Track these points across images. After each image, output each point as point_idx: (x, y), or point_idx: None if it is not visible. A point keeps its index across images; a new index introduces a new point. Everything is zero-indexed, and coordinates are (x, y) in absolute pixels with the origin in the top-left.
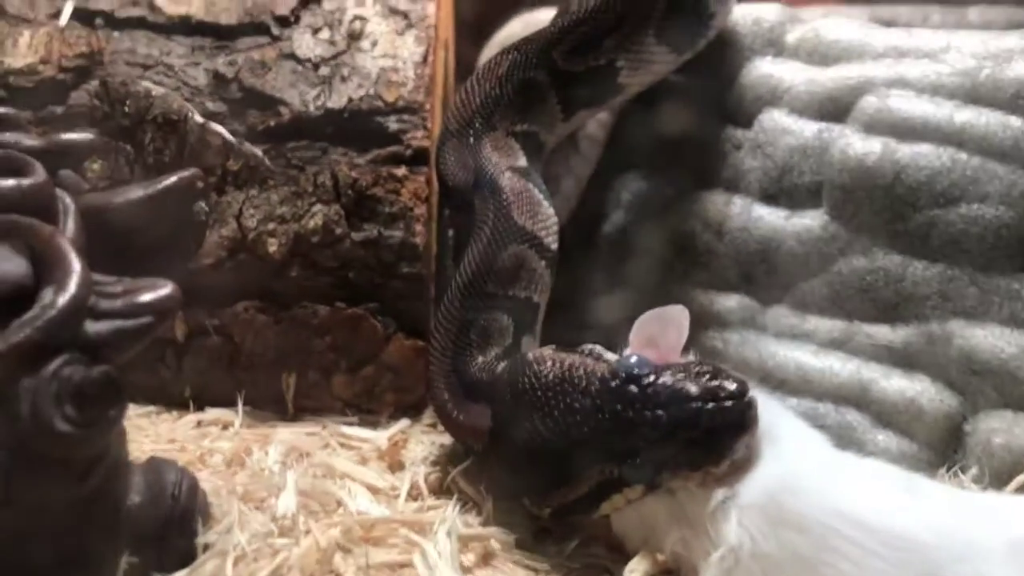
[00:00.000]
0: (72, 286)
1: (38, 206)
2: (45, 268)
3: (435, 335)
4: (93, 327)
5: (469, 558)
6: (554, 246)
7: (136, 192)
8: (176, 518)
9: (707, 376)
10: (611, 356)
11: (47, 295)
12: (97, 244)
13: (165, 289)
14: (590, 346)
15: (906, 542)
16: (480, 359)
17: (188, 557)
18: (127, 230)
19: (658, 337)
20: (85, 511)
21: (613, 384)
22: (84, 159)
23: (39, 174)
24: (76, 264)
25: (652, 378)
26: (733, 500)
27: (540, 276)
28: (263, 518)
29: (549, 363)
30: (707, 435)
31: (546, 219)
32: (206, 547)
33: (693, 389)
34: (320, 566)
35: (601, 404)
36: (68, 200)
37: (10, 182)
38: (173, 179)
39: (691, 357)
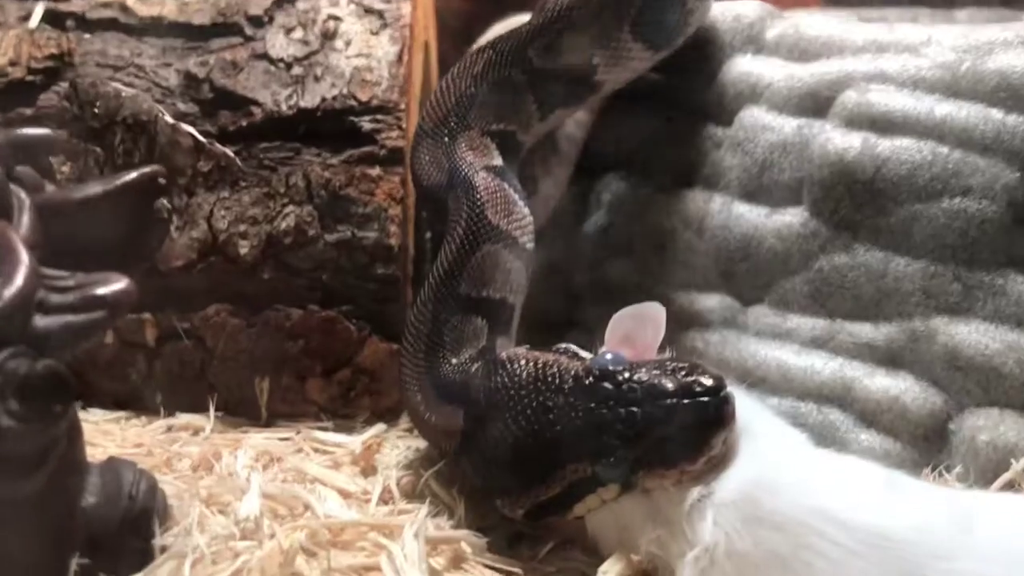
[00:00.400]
0: (19, 279)
1: None
2: None
3: (407, 337)
4: (42, 321)
5: (439, 561)
6: (529, 245)
7: (95, 188)
8: (132, 519)
9: (683, 372)
10: (586, 355)
11: None
12: (56, 241)
13: (119, 283)
14: (565, 345)
15: (885, 540)
16: (453, 360)
17: (145, 559)
18: (86, 227)
19: (634, 335)
20: (33, 509)
21: (587, 381)
22: (44, 155)
23: None
24: (24, 257)
25: (626, 375)
26: (709, 498)
27: (515, 276)
28: (225, 521)
29: (523, 362)
30: (683, 432)
31: (521, 218)
32: (164, 549)
33: (668, 385)
34: (282, 569)
35: (574, 402)
36: (23, 196)
37: None
38: (133, 175)
39: (668, 355)
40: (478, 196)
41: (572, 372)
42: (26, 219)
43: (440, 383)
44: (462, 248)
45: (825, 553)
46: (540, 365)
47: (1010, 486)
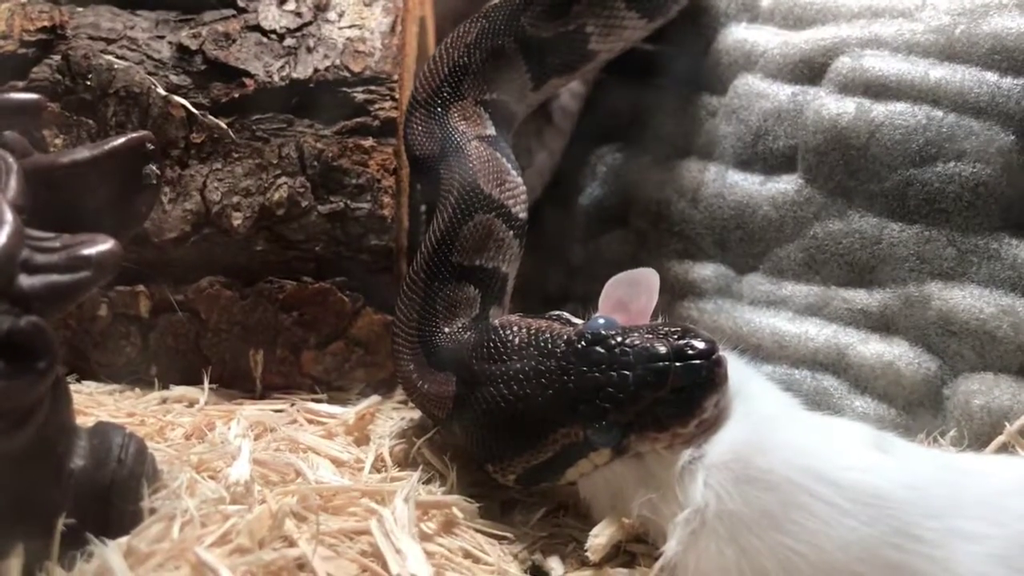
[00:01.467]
0: (2, 237)
1: None
2: None
3: (400, 306)
4: (27, 280)
5: (430, 526)
6: (522, 215)
7: (83, 153)
8: (121, 481)
9: (675, 335)
10: (578, 321)
11: None
12: (44, 206)
13: (105, 244)
14: (558, 312)
15: (876, 499)
16: (446, 329)
17: (134, 521)
18: (74, 191)
19: (628, 301)
20: (20, 468)
21: (579, 345)
22: (32, 121)
23: None
24: (7, 216)
25: (618, 339)
26: (700, 461)
27: (508, 245)
28: (215, 486)
29: (515, 327)
30: (675, 394)
31: (514, 187)
32: (152, 511)
33: (660, 348)
34: (271, 532)
35: (566, 366)
36: (11, 160)
37: None
38: (121, 140)
39: (660, 320)
40: (470, 165)
41: (564, 337)
42: (13, 182)
43: (432, 351)
44: (454, 217)
45: (816, 512)
46: (532, 330)
47: (1004, 449)
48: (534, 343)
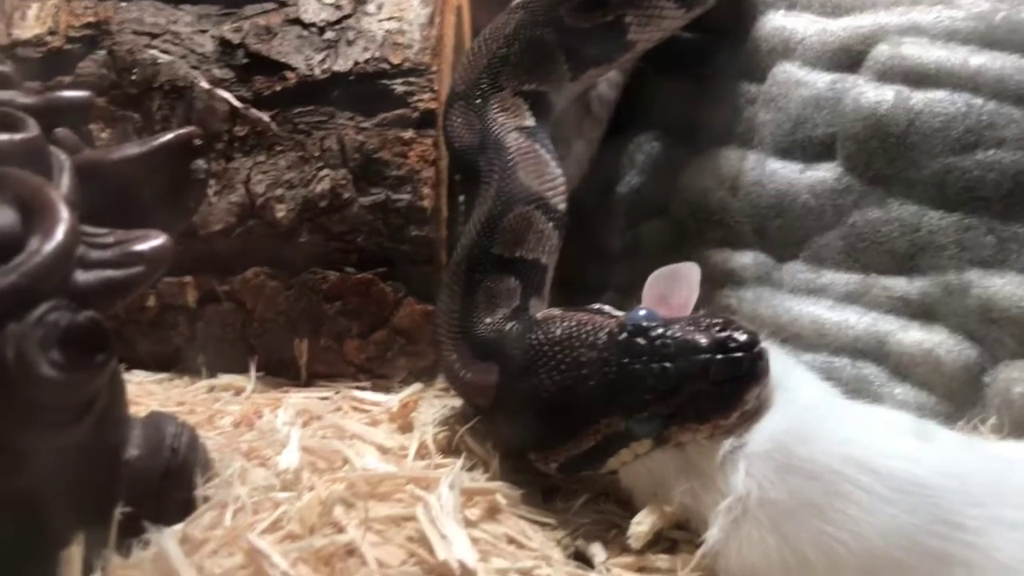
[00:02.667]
0: (59, 234)
1: (30, 161)
2: (33, 218)
3: (442, 298)
4: (83, 276)
5: (474, 512)
6: (562, 206)
7: (132, 149)
8: (175, 470)
9: (717, 328)
10: (619, 314)
11: (34, 243)
12: (95, 202)
13: (158, 240)
14: (599, 305)
15: (917, 487)
16: (487, 320)
17: (187, 509)
18: (124, 187)
19: (669, 294)
20: (78, 459)
21: (620, 337)
22: (81, 118)
23: (32, 129)
24: (64, 213)
25: (660, 330)
26: (741, 449)
27: (548, 237)
28: (266, 473)
29: (557, 320)
30: (716, 387)
31: (553, 179)
32: (205, 499)
33: (702, 340)
34: (321, 519)
35: (608, 357)
36: (63, 157)
37: (2, 137)
38: (169, 136)
39: (702, 312)
40: (510, 157)
41: (606, 328)
42: (66, 179)
43: (475, 341)
44: (494, 209)
45: (858, 500)
46: (574, 322)
47: None
48: (576, 335)
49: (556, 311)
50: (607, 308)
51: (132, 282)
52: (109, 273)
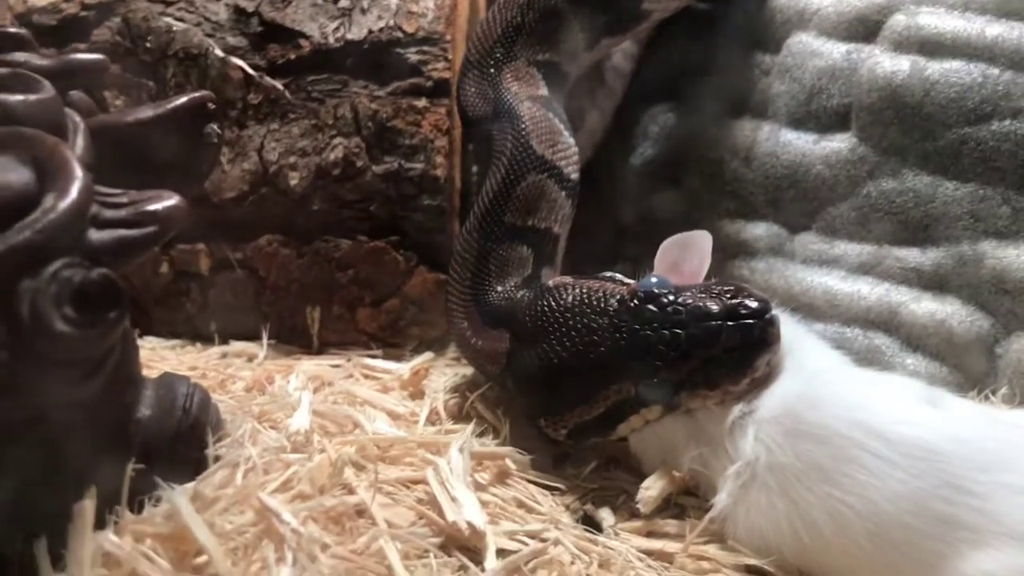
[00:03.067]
0: (73, 191)
1: (45, 121)
2: (48, 176)
3: (454, 266)
4: (96, 235)
5: (484, 476)
6: (574, 176)
7: (146, 112)
8: (186, 430)
9: (728, 295)
10: (631, 282)
11: (48, 200)
12: (109, 164)
13: (171, 200)
14: (610, 273)
15: (926, 452)
16: (499, 288)
17: (199, 468)
18: (138, 150)
19: (681, 262)
20: (92, 415)
21: (632, 304)
22: (96, 82)
23: (47, 91)
24: (78, 171)
25: (671, 297)
26: (751, 415)
27: (560, 206)
28: (277, 435)
29: (569, 287)
30: (726, 353)
31: (566, 148)
32: (217, 459)
33: (713, 307)
34: (331, 480)
35: (619, 324)
36: (78, 119)
37: (18, 97)
38: (183, 99)
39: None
40: (523, 126)
41: (617, 295)
42: (80, 140)
43: (486, 309)
44: (507, 178)
45: (866, 465)
46: (587, 290)
47: None
48: (587, 301)
49: (568, 278)
50: (619, 276)
51: (145, 241)
52: (122, 232)
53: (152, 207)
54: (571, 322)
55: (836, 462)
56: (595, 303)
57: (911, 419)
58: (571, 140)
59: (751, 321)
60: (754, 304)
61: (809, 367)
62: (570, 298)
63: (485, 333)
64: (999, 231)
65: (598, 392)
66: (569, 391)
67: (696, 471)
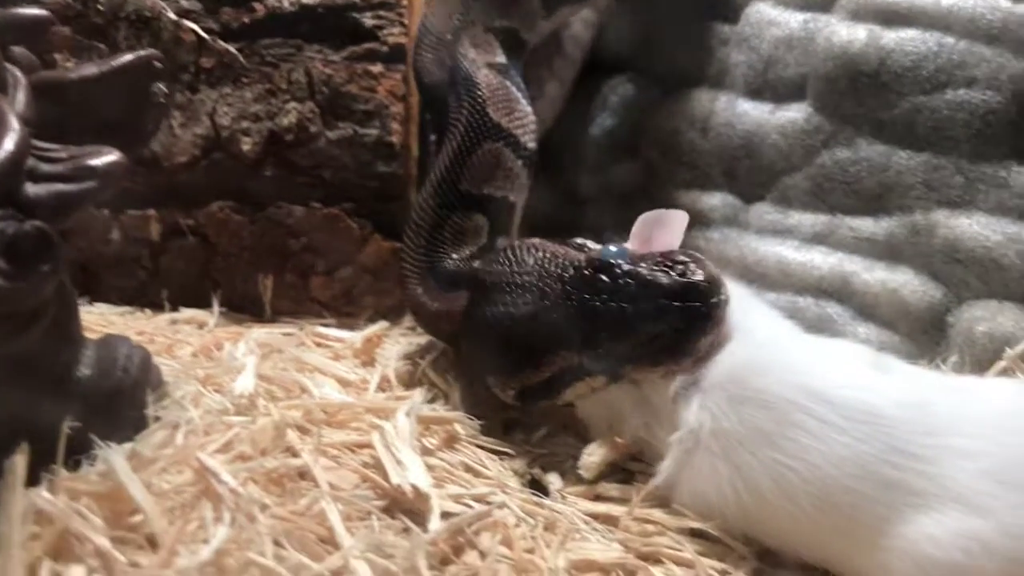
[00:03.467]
0: (8, 144)
1: None
2: None
3: (409, 234)
4: (33, 189)
5: (432, 441)
6: (531, 144)
7: (91, 69)
8: (126, 390)
9: (681, 272)
10: (596, 247)
11: None
12: (53, 121)
13: (111, 156)
14: (581, 240)
15: (871, 416)
16: (454, 256)
17: (138, 427)
18: (82, 108)
19: (654, 238)
20: (26, 371)
21: (585, 272)
22: (39, 37)
23: None
24: (14, 124)
25: (625, 269)
26: (696, 385)
27: (516, 175)
28: (220, 398)
29: (532, 248)
30: (673, 333)
31: (523, 116)
32: (157, 420)
33: (663, 284)
34: (274, 442)
35: (571, 291)
36: (19, 74)
37: None
38: (129, 58)
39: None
40: (480, 93)
41: (574, 262)
42: (21, 95)
43: (442, 273)
44: (463, 145)
45: (810, 429)
46: (549, 254)
47: (1005, 374)
48: (546, 265)
49: (535, 240)
50: (590, 243)
51: (83, 196)
52: (60, 187)
53: (91, 162)
54: (527, 284)
55: (780, 427)
56: (552, 268)
57: (856, 383)
58: (528, 109)
59: (699, 304)
60: (705, 285)
61: (757, 336)
62: (531, 260)
63: (442, 295)
64: (952, 201)
65: (546, 357)
66: (519, 353)
67: (641, 439)
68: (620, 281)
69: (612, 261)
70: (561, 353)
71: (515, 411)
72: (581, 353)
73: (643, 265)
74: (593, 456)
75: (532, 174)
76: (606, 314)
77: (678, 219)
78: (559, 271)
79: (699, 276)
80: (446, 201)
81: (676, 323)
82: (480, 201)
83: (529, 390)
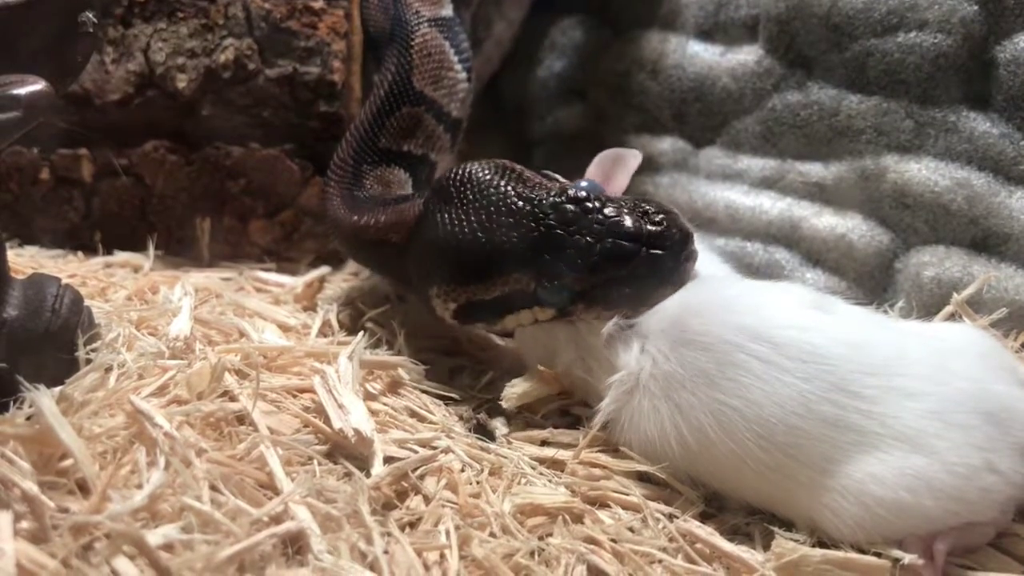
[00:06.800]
0: None
1: None
2: None
3: (331, 179)
4: None
5: (375, 386)
6: (456, 112)
7: None
8: (55, 331)
9: (655, 219)
10: (564, 181)
11: None
12: None
13: (36, 85)
14: (548, 172)
15: (813, 356)
16: (386, 198)
17: (69, 371)
18: (7, 38)
19: (610, 176)
20: None
21: (557, 199)
22: None
23: None
24: None
25: (597, 204)
26: (632, 328)
27: (438, 138)
28: (155, 341)
29: (507, 167)
30: (634, 280)
31: (452, 84)
32: (88, 363)
33: (635, 227)
34: (211, 387)
35: (539, 215)
36: None
37: None
38: None
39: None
40: (409, 58)
41: (547, 189)
42: None
43: (365, 196)
44: (383, 107)
45: (751, 369)
46: (525, 176)
47: (951, 318)
48: (517, 183)
49: (508, 161)
50: (559, 177)
51: (7, 126)
52: None
53: (15, 91)
54: (494, 197)
55: (721, 367)
56: (522, 189)
57: (799, 323)
58: (462, 75)
59: (668, 255)
60: (679, 237)
61: (698, 279)
62: (503, 176)
63: (385, 210)
64: (902, 145)
65: (498, 275)
66: (470, 265)
67: (580, 377)
68: (591, 216)
69: (587, 194)
70: (515, 275)
71: (449, 324)
72: (537, 280)
73: (617, 205)
74: (516, 388)
75: (456, 138)
76: (572, 247)
77: (632, 159)
78: (530, 193)
79: (674, 228)
80: (367, 156)
81: (642, 270)
82: (401, 157)
83: (471, 307)
